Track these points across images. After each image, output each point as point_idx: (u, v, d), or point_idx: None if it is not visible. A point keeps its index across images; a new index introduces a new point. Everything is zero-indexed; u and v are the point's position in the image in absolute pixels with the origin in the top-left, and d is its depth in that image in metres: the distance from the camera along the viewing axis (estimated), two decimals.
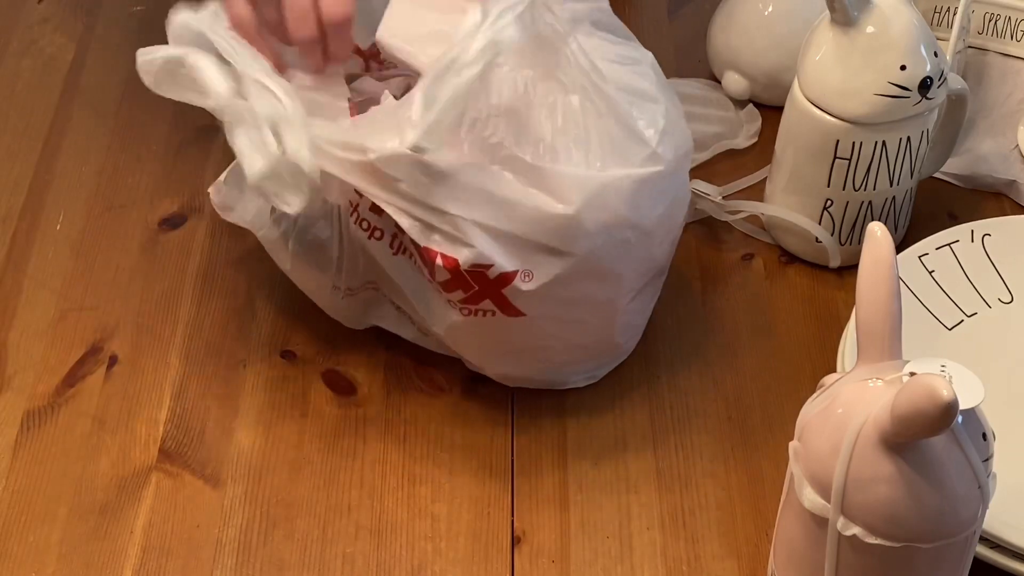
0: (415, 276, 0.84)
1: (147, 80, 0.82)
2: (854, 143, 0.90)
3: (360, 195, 0.81)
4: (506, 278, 0.79)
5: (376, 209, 0.81)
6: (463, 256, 0.78)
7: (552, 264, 0.79)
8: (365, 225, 0.83)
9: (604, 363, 0.88)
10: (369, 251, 0.85)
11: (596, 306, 0.83)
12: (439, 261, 0.78)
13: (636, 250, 0.81)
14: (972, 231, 0.91)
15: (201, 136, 1.04)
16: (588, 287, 0.81)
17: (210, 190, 0.89)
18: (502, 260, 0.78)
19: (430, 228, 0.78)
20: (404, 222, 0.78)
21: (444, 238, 0.78)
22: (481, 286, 0.79)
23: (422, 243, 0.78)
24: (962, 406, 0.62)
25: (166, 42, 0.82)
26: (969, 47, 1.04)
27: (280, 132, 0.78)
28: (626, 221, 0.79)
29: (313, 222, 0.86)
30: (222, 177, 0.89)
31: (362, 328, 0.90)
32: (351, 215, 0.84)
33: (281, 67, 0.82)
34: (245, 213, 0.87)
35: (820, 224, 0.93)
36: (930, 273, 0.89)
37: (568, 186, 0.78)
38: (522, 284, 0.79)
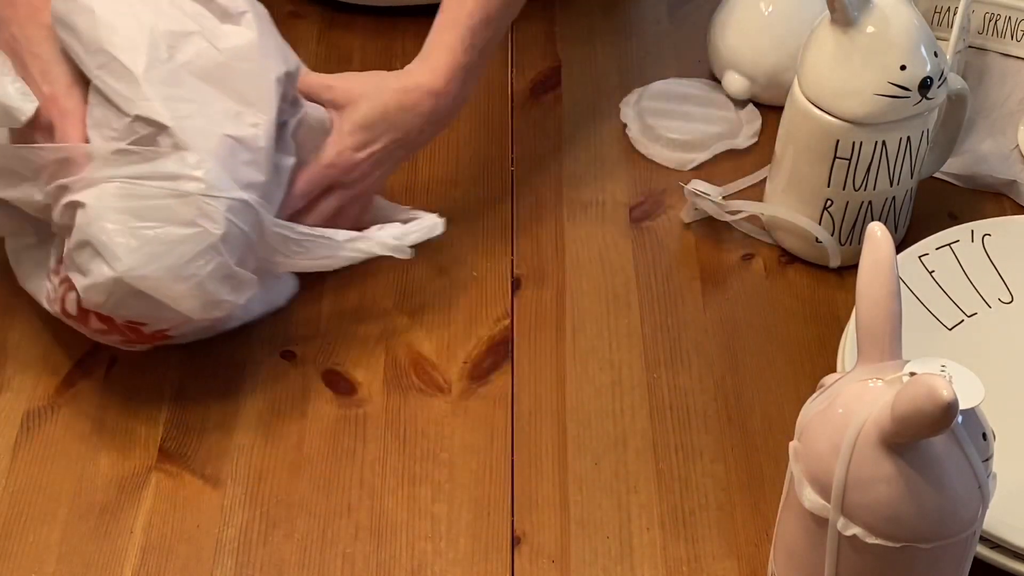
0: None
1: None
2: (854, 143, 0.90)
3: None
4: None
5: None
6: None
7: None
8: None
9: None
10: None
11: None
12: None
13: None
14: (972, 231, 0.91)
15: None
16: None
17: None
18: None
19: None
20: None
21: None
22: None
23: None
24: (962, 406, 0.62)
25: None
26: (969, 47, 1.04)
27: None
28: None
29: None
30: None
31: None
32: None
33: None
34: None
35: (820, 224, 0.93)
36: (930, 273, 0.89)
37: None
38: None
